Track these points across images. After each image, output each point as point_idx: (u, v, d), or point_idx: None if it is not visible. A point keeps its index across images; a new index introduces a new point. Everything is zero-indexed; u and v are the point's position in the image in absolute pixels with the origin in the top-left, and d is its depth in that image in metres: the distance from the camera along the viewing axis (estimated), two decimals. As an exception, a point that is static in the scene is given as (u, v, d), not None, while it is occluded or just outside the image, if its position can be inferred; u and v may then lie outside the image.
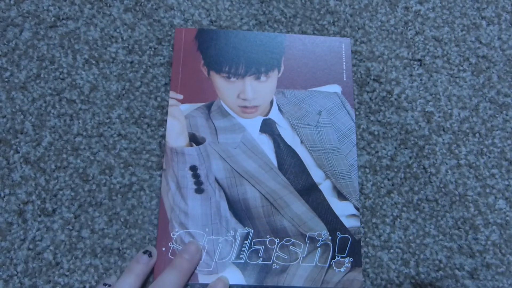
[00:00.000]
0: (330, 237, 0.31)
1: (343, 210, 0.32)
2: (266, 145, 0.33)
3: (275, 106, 0.35)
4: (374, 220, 0.34)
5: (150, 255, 0.30)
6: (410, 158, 0.35)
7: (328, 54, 0.36)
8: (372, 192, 0.34)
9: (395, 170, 0.35)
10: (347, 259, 0.31)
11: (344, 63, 0.36)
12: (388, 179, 0.35)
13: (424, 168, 0.35)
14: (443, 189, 0.35)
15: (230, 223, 0.31)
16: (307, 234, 0.31)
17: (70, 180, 0.33)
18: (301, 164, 0.33)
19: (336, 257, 0.31)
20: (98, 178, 0.33)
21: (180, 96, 0.34)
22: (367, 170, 0.35)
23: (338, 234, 0.32)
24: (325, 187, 0.33)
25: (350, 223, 0.32)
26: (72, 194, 0.33)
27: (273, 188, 0.32)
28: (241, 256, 0.31)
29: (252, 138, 0.33)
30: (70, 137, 0.34)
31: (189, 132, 0.33)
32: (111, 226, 0.32)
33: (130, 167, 0.34)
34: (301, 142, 0.34)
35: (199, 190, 0.32)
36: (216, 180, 0.32)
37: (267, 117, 0.34)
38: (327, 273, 0.30)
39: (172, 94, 0.34)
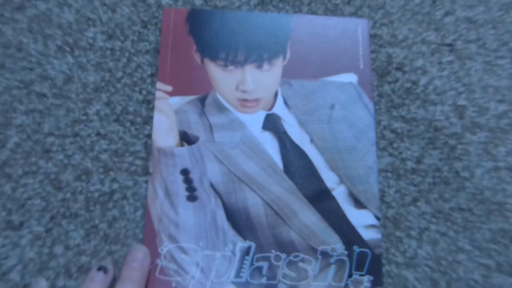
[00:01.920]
0: (346, 252, 0.30)
1: (361, 220, 0.31)
2: (269, 144, 0.32)
3: (280, 99, 0.34)
4: (397, 233, 0.32)
5: (105, 271, 0.29)
6: (440, 160, 0.34)
7: (342, 38, 0.35)
8: (395, 200, 0.33)
9: (422, 174, 0.33)
10: (366, 278, 0.30)
11: (360, 49, 0.35)
12: (414, 185, 0.33)
13: (456, 171, 0.33)
14: (478, 197, 0.33)
15: (228, 236, 0.30)
16: (319, 249, 0.30)
17: (40, 188, 0.32)
18: (310, 166, 0.32)
19: (353, 275, 0.30)
20: (73, 185, 0.32)
21: (169, 88, 0.33)
22: (389, 174, 0.33)
23: (355, 248, 0.30)
24: (339, 193, 0.32)
25: (369, 235, 0.31)
26: (43, 204, 0.31)
27: (278, 194, 0.31)
28: (241, 274, 0.30)
29: (253, 136, 0.33)
30: (40, 137, 0.33)
31: (179, 129, 0.32)
32: (88, 242, 0.31)
33: (111, 172, 0.32)
34: (311, 140, 0.33)
35: (192, 198, 0.31)
36: (212, 186, 0.31)
37: (270, 112, 0.33)
38: (343, 294, 0.30)
39: (159, 85, 0.33)
